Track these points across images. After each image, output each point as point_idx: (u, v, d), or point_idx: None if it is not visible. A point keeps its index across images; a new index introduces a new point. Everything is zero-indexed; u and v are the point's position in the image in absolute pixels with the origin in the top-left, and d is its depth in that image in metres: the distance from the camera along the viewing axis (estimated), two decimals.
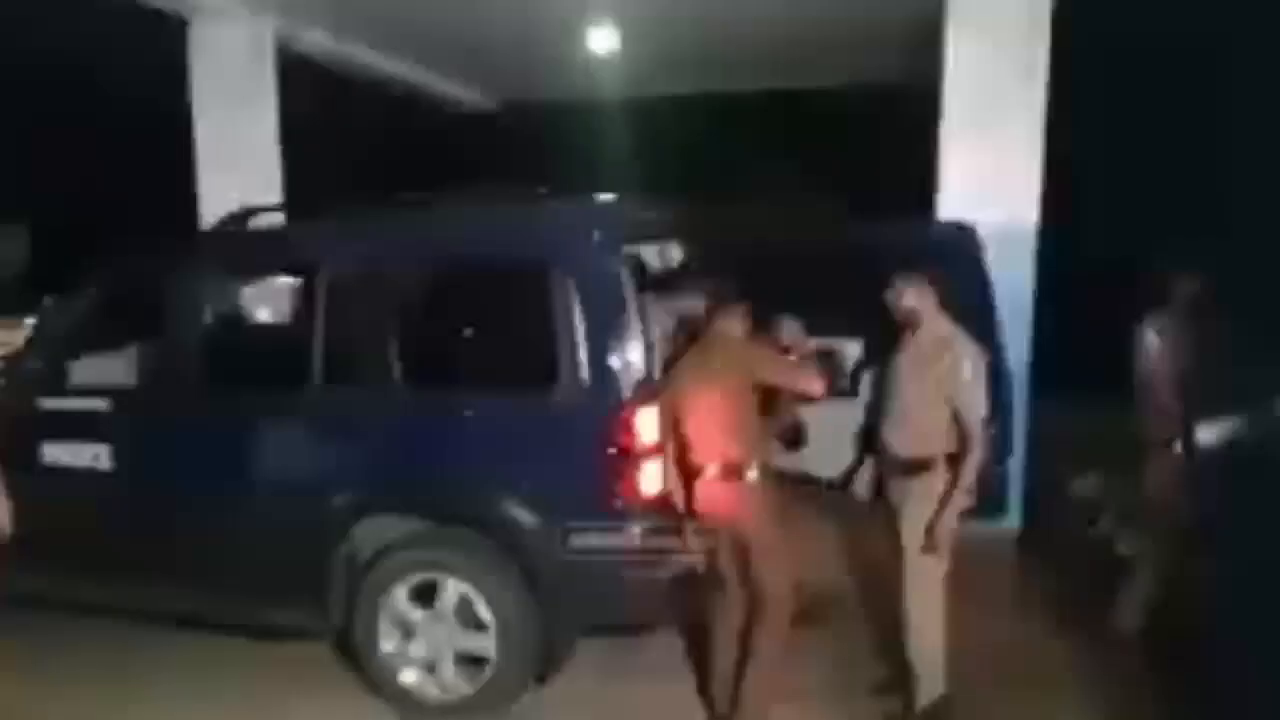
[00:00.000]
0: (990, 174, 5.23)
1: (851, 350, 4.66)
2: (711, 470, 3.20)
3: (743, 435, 3.21)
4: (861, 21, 6.98)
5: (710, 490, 3.21)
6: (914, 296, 3.23)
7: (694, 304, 3.42)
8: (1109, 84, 7.09)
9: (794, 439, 4.02)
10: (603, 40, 7.49)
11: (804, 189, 11.32)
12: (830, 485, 4.59)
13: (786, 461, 4.02)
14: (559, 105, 10.16)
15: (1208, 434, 3.44)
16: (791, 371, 3.32)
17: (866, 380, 4.51)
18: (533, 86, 9.71)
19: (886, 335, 4.28)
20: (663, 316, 3.56)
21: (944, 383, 3.11)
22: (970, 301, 3.87)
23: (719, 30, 7.24)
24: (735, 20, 6.97)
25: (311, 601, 3.55)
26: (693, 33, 7.31)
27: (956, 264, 4.23)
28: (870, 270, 4.42)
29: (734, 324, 3.30)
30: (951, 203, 5.33)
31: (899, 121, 8.65)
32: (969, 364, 3.12)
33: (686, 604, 3.46)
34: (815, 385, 3.21)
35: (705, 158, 10.62)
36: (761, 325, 3.48)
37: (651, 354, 3.26)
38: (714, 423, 3.20)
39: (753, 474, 3.19)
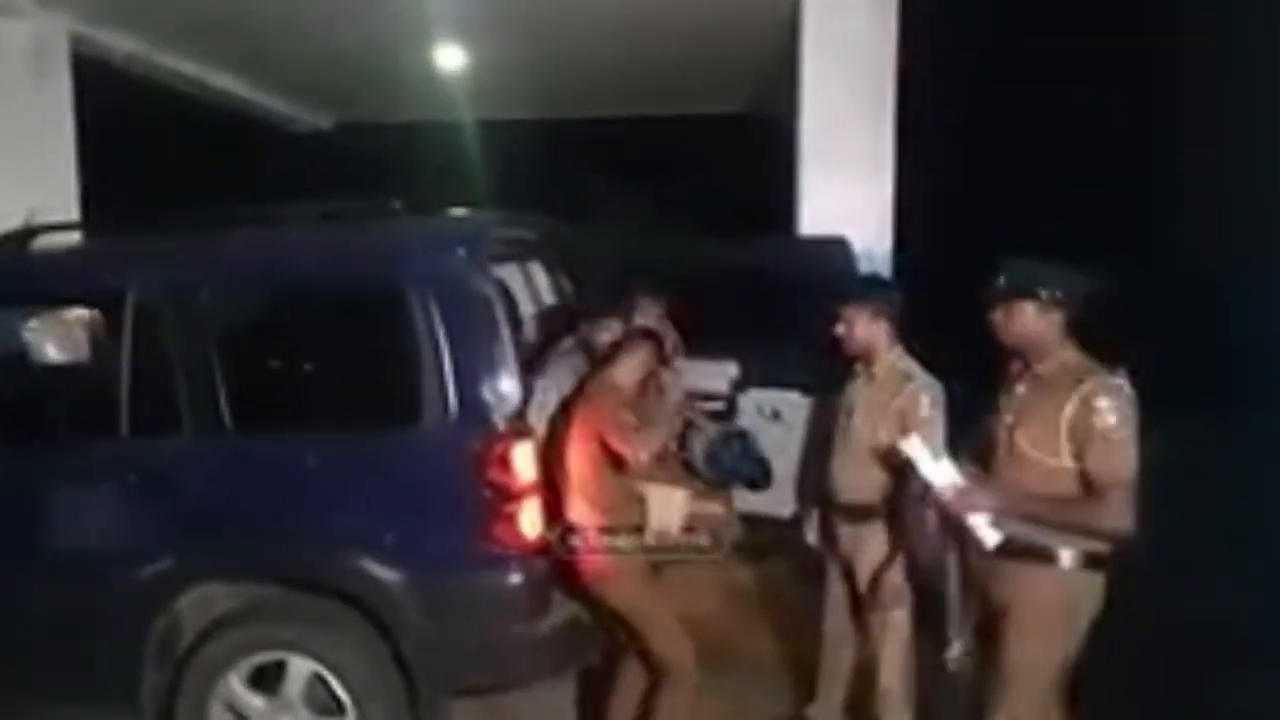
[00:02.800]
0: (845, 198, 5.26)
1: (729, 371, 4.50)
2: (573, 529, 2.93)
3: (598, 494, 2.93)
4: (711, 51, 7.00)
5: (573, 552, 2.93)
6: (866, 326, 2.96)
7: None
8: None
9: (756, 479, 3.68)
10: (449, 59, 7.19)
11: (656, 212, 11.35)
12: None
13: (751, 503, 3.73)
14: (401, 127, 9.77)
15: None
16: (624, 434, 2.92)
17: (748, 405, 4.36)
18: (374, 107, 9.29)
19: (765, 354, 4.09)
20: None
21: (903, 419, 2.85)
22: None
23: (568, 56, 7.08)
24: (585, 46, 6.83)
25: (117, 694, 3.00)
26: (541, 58, 7.13)
27: (833, 277, 4.15)
28: (749, 288, 4.28)
29: (631, 363, 3.03)
30: (809, 227, 5.30)
31: (750, 148, 8.80)
32: (927, 399, 2.88)
33: (574, 654, 3.13)
34: (638, 452, 2.88)
35: (553, 182, 10.42)
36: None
37: (526, 382, 2.94)
38: (572, 474, 2.94)
39: (616, 539, 2.91)
